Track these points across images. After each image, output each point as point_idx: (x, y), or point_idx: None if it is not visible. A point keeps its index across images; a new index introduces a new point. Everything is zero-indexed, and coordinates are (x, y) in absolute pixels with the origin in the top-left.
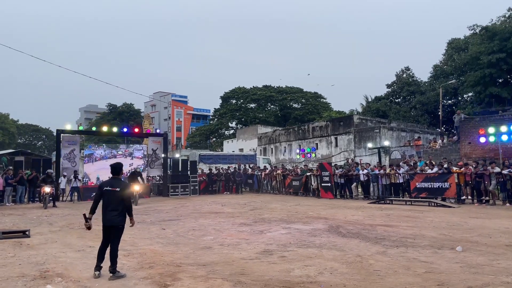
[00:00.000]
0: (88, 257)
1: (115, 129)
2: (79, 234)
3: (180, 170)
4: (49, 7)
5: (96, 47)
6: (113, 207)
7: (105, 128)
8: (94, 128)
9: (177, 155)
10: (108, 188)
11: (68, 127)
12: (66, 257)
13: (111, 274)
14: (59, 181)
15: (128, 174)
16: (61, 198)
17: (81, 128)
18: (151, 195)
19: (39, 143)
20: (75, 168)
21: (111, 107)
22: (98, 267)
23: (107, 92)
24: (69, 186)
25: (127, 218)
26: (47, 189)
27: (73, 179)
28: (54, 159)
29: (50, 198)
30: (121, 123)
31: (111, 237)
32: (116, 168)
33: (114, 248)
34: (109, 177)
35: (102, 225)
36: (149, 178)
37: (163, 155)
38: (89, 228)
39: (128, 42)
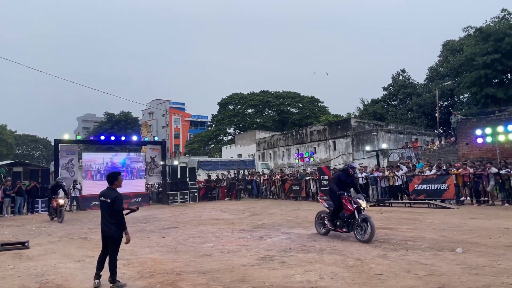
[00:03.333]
0: (88, 267)
1: (113, 138)
2: (78, 244)
3: (179, 177)
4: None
5: (93, 55)
6: (106, 218)
7: (103, 137)
8: (92, 137)
9: (175, 162)
10: (102, 198)
11: (66, 136)
12: (66, 268)
13: (111, 284)
14: (58, 191)
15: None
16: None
17: (79, 137)
18: (150, 203)
19: (37, 153)
20: (73, 178)
21: (108, 116)
22: (97, 276)
23: (105, 101)
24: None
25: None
26: (60, 201)
27: (72, 189)
28: (52, 169)
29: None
30: (119, 131)
31: (109, 247)
32: (110, 178)
33: (113, 259)
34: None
35: (101, 234)
36: (148, 186)
37: (161, 163)
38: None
39: (124, 50)
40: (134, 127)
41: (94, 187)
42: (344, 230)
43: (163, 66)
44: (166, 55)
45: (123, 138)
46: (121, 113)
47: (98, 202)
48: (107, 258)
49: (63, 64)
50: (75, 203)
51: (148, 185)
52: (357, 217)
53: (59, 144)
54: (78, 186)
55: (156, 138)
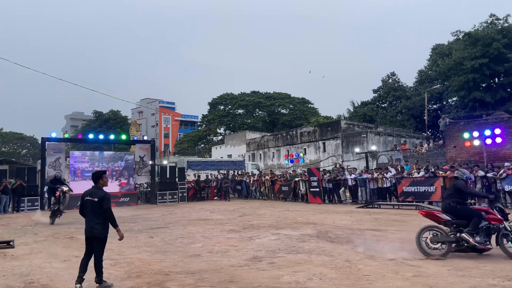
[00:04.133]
0: (74, 267)
1: (101, 136)
2: (64, 244)
3: (168, 177)
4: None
5: (82, 53)
6: (93, 218)
7: (91, 136)
8: (80, 136)
9: (165, 162)
10: (88, 197)
11: (54, 135)
12: (52, 268)
13: (98, 285)
14: (45, 190)
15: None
16: (46, 207)
17: (66, 135)
18: (138, 202)
19: (24, 151)
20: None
21: (97, 114)
22: (79, 279)
23: (93, 99)
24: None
25: (112, 228)
26: (64, 187)
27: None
28: (39, 167)
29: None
30: (108, 130)
31: (94, 248)
32: (95, 176)
33: (98, 259)
34: (92, 186)
35: (85, 235)
36: (137, 185)
37: (150, 162)
38: None
39: (114, 49)
40: (123, 126)
41: (82, 186)
42: (489, 245)
43: (153, 65)
44: (157, 54)
45: (112, 137)
46: (110, 111)
47: None
48: (91, 259)
49: (50, 61)
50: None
51: (136, 185)
52: (508, 227)
53: (46, 143)
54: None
55: (145, 137)
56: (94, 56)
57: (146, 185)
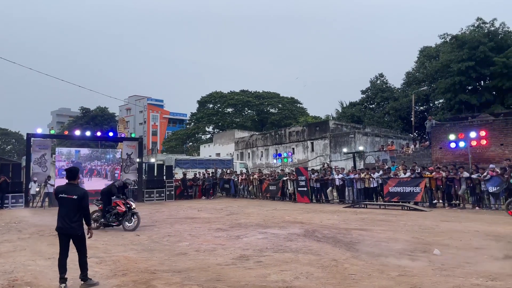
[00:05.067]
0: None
1: (88, 133)
2: (49, 241)
3: (155, 175)
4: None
5: (69, 49)
6: (69, 215)
7: (78, 132)
8: (66, 132)
9: (152, 160)
10: (63, 195)
11: (39, 130)
12: (36, 265)
13: (83, 282)
14: (29, 187)
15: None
16: (31, 204)
17: (52, 132)
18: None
19: (9, 147)
20: (46, 173)
21: (84, 111)
22: (62, 279)
23: (80, 95)
24: (43, 191)
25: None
26: (133, 203)
27: (45, 185)
28: (24, 163)
29: None
30: (95, 127)
31: (75, 246)
32: (72, 172)
33: (82, 256)
34: (66, 182)
35: (58, 233)
36: None
37: (138, 160)
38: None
39: (102, 45)
40: (110, 123)
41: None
42: None
43: (142, 62)
44: (145, 51)
45: (98, 133)
46: (98, 108)
47: None
48: (76, 258)
49: (37, 57)
50: (47, 199)
51: None
52: None
53: (32, 139)
54: (51, 182)
55: (133, 135)
56: (82, 53)
57: (133, 182)
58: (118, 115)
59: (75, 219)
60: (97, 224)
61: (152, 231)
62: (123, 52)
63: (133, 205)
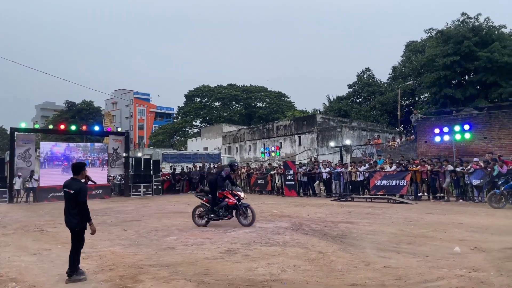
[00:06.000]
0: (44, 260)
1: (73, 127)
2: (34, 237)
3: (142, 169)
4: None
5: (54, 42)
6: (68, 209)
7: (62, 126)
8: (51, 126)
9: (139, 154)
10: (65, 189)
11: (23, 125)
12: (21, 261)
13: (68, 278)
14: (14, 182)
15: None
16: (15, 199)
17: (37, 126)
18: (112, 195)
19: None
20: (30, 168)
21: (69, 105)
22: (69, 273)
23: (65, 89)
24: (25, 186)
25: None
26: (241, 193)
27: (29, 180)
28: (7, 158)
29: None
30: (80, 121)
31: (71, 241)
32: (75, 167)
33: (73, 251)
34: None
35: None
36: (110, 178)
37: (124, 154)
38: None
39: (87, 38)
40: (96, 117)
41: (52, 178)
42: None
43: (128, 56)
44: (132, 45)
45: (84, 128)
46: (83, 102)
47: (56, 194)
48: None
49: (20, 50)
50: (32, 195)
51: (110, 177)
52: None
53: (15, 133)
54: (35, 177)
55: (119, 129)
56: (67, 46)
57: (119, 177)
58: (104, 109)
59: (73, 213)
60: (205, 220)
61: (139, 226)
62: (109, 45)
63: (242, 195)
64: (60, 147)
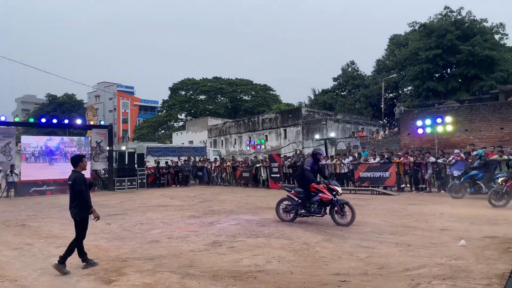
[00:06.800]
0: (26, 255)
1: (55, 121)
2: (16, 231)
3: (126, 163)
4: None
5: (35, 34)
6: (70, 200)
7: (44, 120)
8: (32, 120)
9: (123, 148)
10: (68, 182)
11: (3, 118)
12: (2, 256)
13: (56, 263)
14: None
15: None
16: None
17: (17, 119)
18: (95, 189)
19: None
20: (11, 162)
21: (50, 98)
22: (83, 259)
23: (47, 82)
24: (5, 180)
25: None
26: (338, 188)
27: (10, 174)
28: None
29: None
30: (62, 114)
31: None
32: (74, 160)
33: (74, 240)
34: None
35: None
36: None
37: (108, 148)
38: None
39: (69, 30)
40: (78, 110)
41: (34, 172)
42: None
43: (110, 48)
44: (114, 37)
45: (66, 121)
46: (65, 95)
47: (38, 188)
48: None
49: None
50: (12, 190)
51: (92, 171)
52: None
53: None
54: (16, 171)
55: (102, 122)
56: (48, 37)
57: (103, 171)
58: (86, 102)
59: (73, 204)
60: (292, 215)
61: (123, 220)
62: (91, 37)
63: (339, 190)
64: (41, 141)
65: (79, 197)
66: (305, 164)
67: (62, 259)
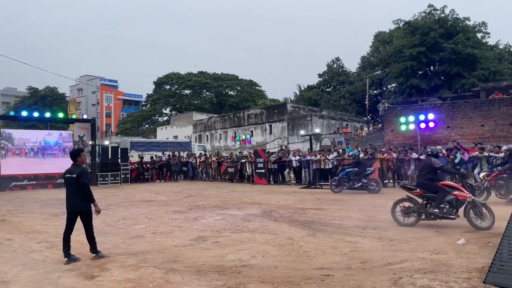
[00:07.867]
0: (6, 250)
1: (36, 114)
2: None
3: (110, 158)
4: None
5: (16, 25)
6: (74, 194)
7: (24, 113)
8: (12, 113)
9: (106, 142)
10: (67, 175)
11: None
12: None
13: (94, 254)
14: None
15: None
16: None
17: None
18: None
19: None
20: None
21: (32, 91)
22: (66, 254)
23: (28, 75)
24: None
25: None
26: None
27: None
28: None
29: None
30: (44, 108)
31: (82, 222)
32: (73, 154)
33: (89, 232)
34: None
35: (67, 211)
36: None
37: (91, 142)
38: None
39: (51, 21)
40: (60, 104)
41: (15, 166)
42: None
43: (94, 41)
44: (97, 30)
45: (47, 114)
46: (47, 88)
47: (18, 183)
48: (82, 234)
49: None
50: None
51: None
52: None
53: None
54: None
55: (85, 116)
56: (29, 29)
57: (85, 166)
58: (69, 96)
59: (79, 196)
60: (415, 218)
61: (106, 215)
62: (74, 30)
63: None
64: (22, 134)
65: (85, 189)
66: (434, 164)
67: (95, 249)
